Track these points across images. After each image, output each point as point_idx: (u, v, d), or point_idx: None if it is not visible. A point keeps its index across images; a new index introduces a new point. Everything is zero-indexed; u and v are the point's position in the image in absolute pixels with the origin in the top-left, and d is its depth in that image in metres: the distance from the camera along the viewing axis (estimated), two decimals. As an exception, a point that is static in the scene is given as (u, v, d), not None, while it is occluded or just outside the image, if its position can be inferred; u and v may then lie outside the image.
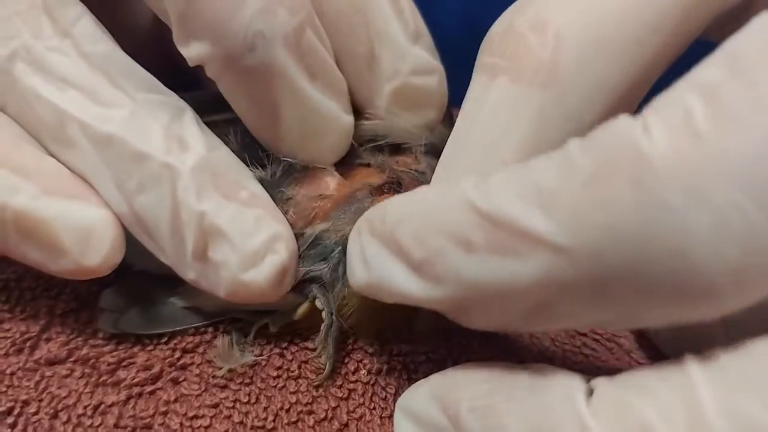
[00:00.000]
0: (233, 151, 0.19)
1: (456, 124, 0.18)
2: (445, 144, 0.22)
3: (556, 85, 0.16)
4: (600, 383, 0.13)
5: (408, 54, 0.20)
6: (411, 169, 0.21)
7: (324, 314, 0.20)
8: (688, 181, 0.11)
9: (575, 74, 0.16)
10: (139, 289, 0.21)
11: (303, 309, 0.20)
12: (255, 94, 0.18)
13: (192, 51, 0.17)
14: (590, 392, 0.13)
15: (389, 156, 0.21)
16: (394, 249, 0.16)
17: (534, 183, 0.13)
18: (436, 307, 0.16)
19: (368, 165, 0.21)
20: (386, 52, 0.20)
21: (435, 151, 0.22)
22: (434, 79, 0.21)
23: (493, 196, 0.14)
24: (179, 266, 0.18)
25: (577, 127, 0.16)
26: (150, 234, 0.18)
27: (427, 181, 0.21)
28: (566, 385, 0.14)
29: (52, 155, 0.19)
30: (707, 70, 0.12)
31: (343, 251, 0.19)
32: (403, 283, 0.15)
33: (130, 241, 0.19)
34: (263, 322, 0.20)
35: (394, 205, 0.17)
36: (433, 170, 0.21)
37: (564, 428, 0.13)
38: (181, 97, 0.19)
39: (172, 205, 0.17)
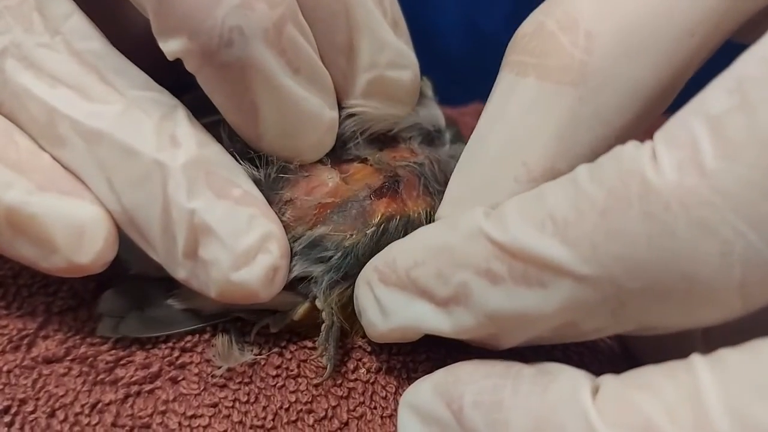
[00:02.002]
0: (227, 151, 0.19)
1: (479, 122, 0.18)
2: (432, 126, 0.22)
3: (587, 85, 0.16)
4: (606, 380, 0.13)
5: (387, 45, 0.20)
6: (410, 162, 0.21)
7: (324, 315, 0.19)
8: (696, 214, 0.12)
9: (607, 74, 0.16)
10: (137, 293, 0.20)
11: (303, 309, 0.20)
12: (233, 89, 0.18)
13: (169, 46, 0.17)
14: (596, 389, 0.13)
15: (386, 151, 0.21)
16: (415, 292, 0.17)
17: (548, 213, 0.14)
18: (465, 337, 0.16)
19: (365, 160, 0.21)
20: (366, 42, 0.19)
21: (428, 139, 0.22)
22: (408, 73, 0.20)
23: (509, 227, 0.15)
24: (170, 265, 0.18)
25: (606, 131, 0.16)
26: (141, 232, 0.18)
27: (426, 173, 0.20)
28: (572, 381, 0.14)
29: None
30: (714, 97, 0.13)
31: (342, 256, 0.19)
32: (432, 321, 0.16)
33: (127, 243, 0.18)
34: (264, 322, 0.20)
35: (402, 250, 0.17)
36: (431, 160, 0.21)
37: (569, 425, 0.13)
38: (180, 98, 0.19)
39: (163, 203, 0.17)
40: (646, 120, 0.17)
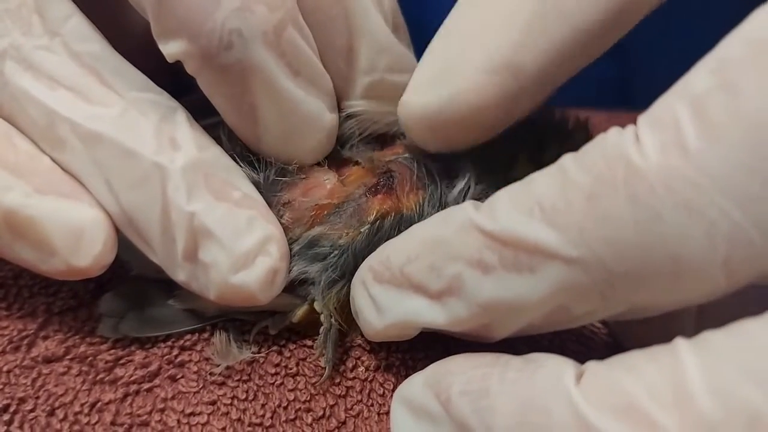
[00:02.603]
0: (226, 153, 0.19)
1: (455, 7, 0.18)
2: None
3: None
4: (590, 365, 0.14)
5: (387, 49, 0.20)
6: (399, 156, 0.21)
7: (322, 317, 0.20)
8: (681, 195, 0.12)
9: None
10: (138, 293, 0.21)
11: (302, 311, 0.20)
12: (233, 92, 0.18)
13: (169, 48, 0.17)
14: (581, 375, 0.13)
15: (380, 150, 0.21)
16: (409, 287, 0.17)
17: (537, 201, 0.14)
18: (460, 329, 0.16)
19: (358, 162, 0.21)
20: (365, 45, 0.19)
21: None
22: (408, 77, 0.20)
23: (499, 217, 0.15)
24: (170, 267, 0.18)
25: (573, 32, 0.16)
26: (141, 234, 0.18)
27: (417, 163, 0.20)
28: (557, 367, 0.14)
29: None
30: (696, 78, 0.13)
31: (339, 254, 0.19)
32: (426, 315, 0.16)
33: (127, 245, 0.19)
34: (263, 324, 0.20)
35: (395, 248, 0.17)
36: (422, 151, 0.21)
37: (553, 407, 0.13)
38: (179, 100, 0.19)
39: (162, 205, 0.17)
40: (610, 33, 0.17)
